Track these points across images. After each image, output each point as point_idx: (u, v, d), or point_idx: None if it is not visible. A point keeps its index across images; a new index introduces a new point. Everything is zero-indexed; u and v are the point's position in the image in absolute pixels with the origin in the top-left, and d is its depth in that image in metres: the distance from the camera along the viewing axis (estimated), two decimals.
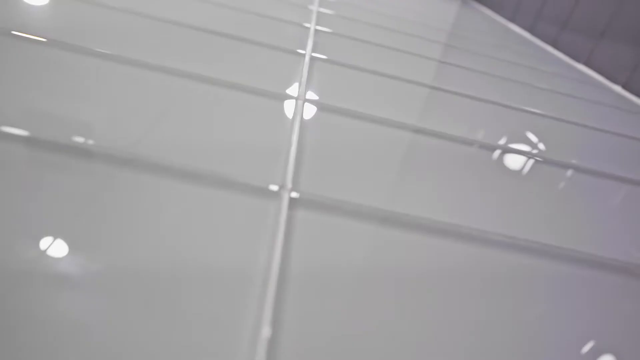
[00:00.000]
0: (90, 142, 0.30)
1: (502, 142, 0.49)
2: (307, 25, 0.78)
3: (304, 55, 0.60)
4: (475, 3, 1.94)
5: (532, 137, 0.53)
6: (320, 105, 0.46)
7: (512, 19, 1.53)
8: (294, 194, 0.30)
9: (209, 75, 0.46)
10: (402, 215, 0.31)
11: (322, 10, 0.94)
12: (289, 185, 0.31)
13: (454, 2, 1.90)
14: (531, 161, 0.46)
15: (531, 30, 1.37)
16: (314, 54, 0.62)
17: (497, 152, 0.46)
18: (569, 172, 0.46)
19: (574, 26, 1.16)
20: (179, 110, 0.38)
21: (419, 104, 0.54)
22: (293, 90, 0.48)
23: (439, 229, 0.31)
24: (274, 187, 0.30)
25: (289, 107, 0.44)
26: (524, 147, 0.50)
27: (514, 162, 0.45)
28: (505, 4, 1.59)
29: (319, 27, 0.78)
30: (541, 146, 0.51)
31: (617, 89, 0.96)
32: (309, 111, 0.44)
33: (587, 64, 1.08)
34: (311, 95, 0.48)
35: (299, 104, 0.45)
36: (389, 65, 0.67)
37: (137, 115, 0.35)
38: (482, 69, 0.80)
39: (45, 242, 0.22)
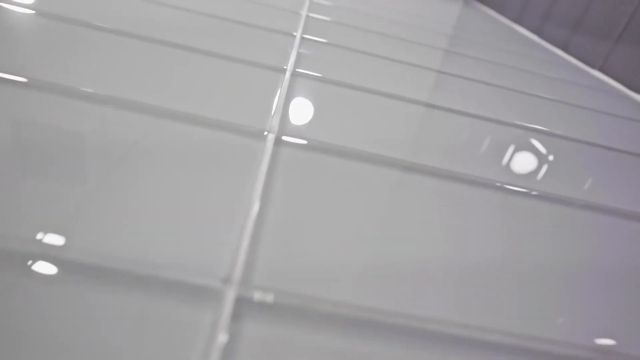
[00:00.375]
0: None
1: (502, 178, 0.41)
2: (293, 33, 0.69)
3: (284, 72, 0.52)
4: (478, 3, 1.85)
5: (538, 165, 0.45)
6: (297, 146, 0.37)
7: (517, 20, 1.44)
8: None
9: (150, 103, 0.38)
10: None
11: (312, 15, 0.86)
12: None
13: (456, 3, 1.81)
14: (533, 201, 0.38)
15: (539, 33, 1.28)
16: (297, 70, 0.54)
17: (494, 191, 0.38)
18: (580, 213, 0.38)
19: (588, 28, 1.07)
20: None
21: (411, 131, 0.46)
22: (263, 120, 0.40)
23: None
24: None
25: (254, 148, 0.35)
26: (525, 182, 0.41)
27: (511, 202, 0.37)
28: (510, 4, 1.51)
29: (306, 36, 0.69)
30: (548, 178, 0.43)
31: (638, 98, 0.87)
32: (283, 153, 0.35)
33: (602, 69, 0.99)
34: (287, 127, 0.39)
35: (269, 142, 0.36)
36: (383, 80, 0.58)
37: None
38: (486, 79, 0.72)
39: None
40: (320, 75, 0.54)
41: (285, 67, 0.54)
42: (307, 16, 0.84)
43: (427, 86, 0.60)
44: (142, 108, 0.36)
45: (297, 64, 0.56)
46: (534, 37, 1.30)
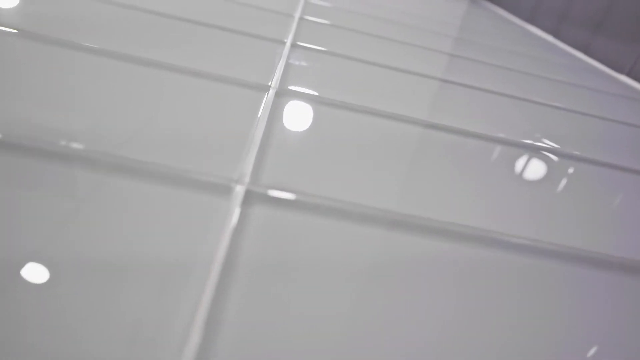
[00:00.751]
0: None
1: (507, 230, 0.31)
2: (283, 40, 0.60)
3: (266, 91, 0.42)
4: (486, 2, 1.75)
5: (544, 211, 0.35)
6: (271, 215, 0.28)
7: (530, 20, 1.34)
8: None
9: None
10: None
11: (307, 17, 0.76)
12: None
13: (461, 1, 1.72)
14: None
15: (555, 34, 1.18)
16: (286, 87, 0.44)
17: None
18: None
19: (613, 28, 0.97)
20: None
21: (408, 157, 0.36)
22: (231, 170, 0.30)
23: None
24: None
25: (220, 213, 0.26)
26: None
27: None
28: (522, 1, 1.40)
29: (298, 42, 0.60)
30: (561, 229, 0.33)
31: None
32: (253, 212, 0.26)
33: (630, 74, 0.89)
34: (262, 179, 0.30)
35: (235, 200, 0.26)
36: (382, 94, 0.49)
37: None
38: (495, 87, 0.62)
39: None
40: (311, 92, 0.44)
41: (269, 84, 0.44)
42: (301, 19, 0.74)
43: (430, 100, 0.51)
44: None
45: (284, 79, 0.46)
46: (550, 38, 1.20)
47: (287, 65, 0.50)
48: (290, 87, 0.44)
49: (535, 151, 0.43)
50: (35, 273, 0.19)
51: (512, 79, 0.69)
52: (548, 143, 0.46)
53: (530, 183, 0.37)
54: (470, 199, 0.32)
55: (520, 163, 0.40)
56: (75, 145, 0.27)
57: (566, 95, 0.68)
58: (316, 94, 0.44)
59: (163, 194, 0.25)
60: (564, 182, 0.39)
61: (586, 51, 1.04)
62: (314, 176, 0.30)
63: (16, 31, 0.42)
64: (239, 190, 0.27)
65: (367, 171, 0.32)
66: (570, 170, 0.41)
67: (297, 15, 0.77)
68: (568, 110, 0.60)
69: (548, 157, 0.43)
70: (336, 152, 0.34)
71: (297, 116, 0.39)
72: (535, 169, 0.40)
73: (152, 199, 0.24)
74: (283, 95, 0.42)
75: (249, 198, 0.26)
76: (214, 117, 0.35)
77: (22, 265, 0.19)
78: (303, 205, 0.27)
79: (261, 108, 0.38)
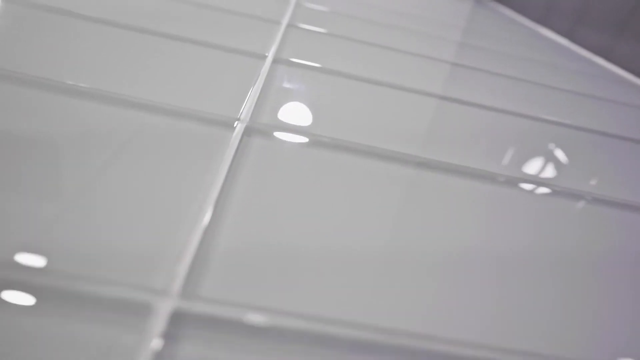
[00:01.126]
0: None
1: None
2: (265, 53, 0.50)
3: (231, 128, 0.33)
4: (492, 1, 1.65)
5: None
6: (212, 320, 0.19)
7: (541, 21, 1.25)
8: None
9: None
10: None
11: (297, 24, 0.67)
12: None
13: (465, 1, 1.62)
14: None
15: (570, 36, 1.09)
16: (258, 121, 0.34)
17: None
18: None
19: (636, 31, 0.87)
20: None
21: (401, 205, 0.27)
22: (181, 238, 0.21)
23: None
24: None
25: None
26: None
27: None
28: (532, 1, 1.31)
29: (282, 56, 0.50)
30: None
31: None
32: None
33: None
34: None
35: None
36: (374, 133, 0.39)
37: None
38: (506, 101, 0.52)
39: None
40: (292, 125, 0.35)
41: (237, 118, 0.34)
42: (289, 27, 0.65)
43: (425, 127, 0.41)
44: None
45: (258, 110, 0.37)
46: (564, 42, 1.11)
47: (266, 88, 0.41)
48: (264, 122, 0.35)
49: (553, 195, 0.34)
50: None
51: (522, 91, 0.60)
52: (574, 189, 0.37)
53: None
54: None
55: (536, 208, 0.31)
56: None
57: (585, 110, 0.58)
58: (298, 127, 0.35)
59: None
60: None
61: (607, 56, 0.94)
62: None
63: None
64: None
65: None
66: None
67: (284, 21, 0.67)
68: (588, 131, 0.50)
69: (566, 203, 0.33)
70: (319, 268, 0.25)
71: (274, 165, 0.29)
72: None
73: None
74: (254, 133, 0.33)
75: None
76: (132, 227, 0.26)
77: None
78: None
79: (222, 159, 0.29)
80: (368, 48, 0.63)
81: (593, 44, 1.00)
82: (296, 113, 0.37)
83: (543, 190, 0.34)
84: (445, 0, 1.53)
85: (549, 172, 0.38)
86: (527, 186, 0.34)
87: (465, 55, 0.74)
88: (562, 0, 1.14)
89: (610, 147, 0.47)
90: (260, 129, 0.33)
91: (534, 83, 0.66)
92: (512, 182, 0.34)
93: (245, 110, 0.36)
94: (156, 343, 0.16)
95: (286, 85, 0.43)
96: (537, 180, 0.35)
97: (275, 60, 0.49)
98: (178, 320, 0.17)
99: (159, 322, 0.17)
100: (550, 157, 0.41)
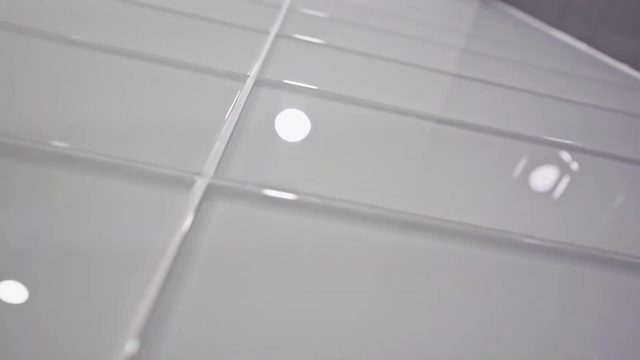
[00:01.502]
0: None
1: None
2: (246, 74, 0.42)
3: (189, 189, 0.24)
4: (500, 2, 1.56)
5: None
6: None
7: (556, 24, 1.16)
8: None
9: None
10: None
11: (287, 33, 0.58)
12: None
13: (471, 2, 1.54)
14: None
15: (590, 41, 1.00)
16: (225, 177, 0.26)
17: None
18: None
19: None
20: None
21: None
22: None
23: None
24: None
25: None
26: None
27: None
28: (546, 2, 1.22)
29: (265, 76, 0.42)
30: None
31: None
32: None
33: None
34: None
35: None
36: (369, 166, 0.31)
37: None
38: (518, 127, 0.44)
39: None
40: (259, 182, 0.26)
41: (197, 173, 0.26)
42: (277, 37, 0.56)
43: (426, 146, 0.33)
44: None
45: (224, 166, 0.28)
46: (582, 47, 1.02)
47: (243, 121, 0.32)
48: (231, 179, 0.26)
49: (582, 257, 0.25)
50: None
51: (533, 107, 0.51)
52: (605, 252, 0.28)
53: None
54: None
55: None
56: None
57: (615, 131, 0.50)
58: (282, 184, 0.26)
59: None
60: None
61: (633, 63, 0.86)
62: None
63: None
64: None
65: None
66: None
67: (273, 31, 0.59)
68: (631, 163, 0.42)
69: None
70: None
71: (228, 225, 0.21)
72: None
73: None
74: (215, 196, 0.24)
75: None
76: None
77: None
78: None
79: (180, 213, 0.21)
80: (362, 60, 0.55)
81: (616, 50, 0.91)
82: (272, 165, 0.29)
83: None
84: (448, 1, 1.45)
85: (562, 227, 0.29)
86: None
87: (470, 64, 0.65)
88: (580, 1, 1.06)
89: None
90: (222, 190, 0.25)
91: (549, 97, 0.58)
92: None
93: (206, 166, 0.27)
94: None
95: (267, 114, 0.34)
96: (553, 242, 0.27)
97: (258, 83, 0.40)
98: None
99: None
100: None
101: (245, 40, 0.52)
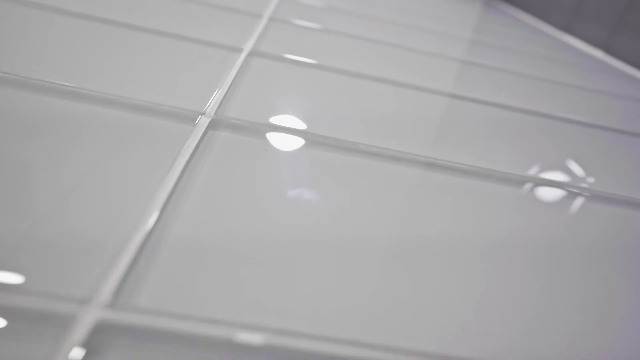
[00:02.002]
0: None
1: None
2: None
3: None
4: (504, 4, 1.47)
5: None
6: None
7: (567, 29, 1.07)
8: None
9: None
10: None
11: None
12: None
13: (473, 4, 1.45)
14: None
15: (606, 48, 0.91)
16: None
17: None
18: None
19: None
20: None
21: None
22: None
23: None
24: None
25: None
26: None
27: None
28: (556, 5, 1.13)
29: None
30: None
31: None
32: None
33: None
34: None
35: None
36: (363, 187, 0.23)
37: None
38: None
39: None
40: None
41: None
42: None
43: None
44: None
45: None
46: (598, 54, 0.93)
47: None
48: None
49: None
50: None
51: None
52: None
53: None
54: None
55: None
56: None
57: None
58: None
59: None
60: None
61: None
62: None
63: None
64: None
65: None
66: None
67: (247, 47, 0.50)
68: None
69: None
70: None
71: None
72: None
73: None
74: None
75: None
76: None
77: None
78: None
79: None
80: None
81: (636, 57, 0.82)
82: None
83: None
84: (448, 2, 1.37)
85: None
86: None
87: (473, 77, 0.57)
88: (594, 4, 0.97)
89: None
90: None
91: (563, 120, 0.49)
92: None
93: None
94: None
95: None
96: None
97: (213, 125, 0.32)
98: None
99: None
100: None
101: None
